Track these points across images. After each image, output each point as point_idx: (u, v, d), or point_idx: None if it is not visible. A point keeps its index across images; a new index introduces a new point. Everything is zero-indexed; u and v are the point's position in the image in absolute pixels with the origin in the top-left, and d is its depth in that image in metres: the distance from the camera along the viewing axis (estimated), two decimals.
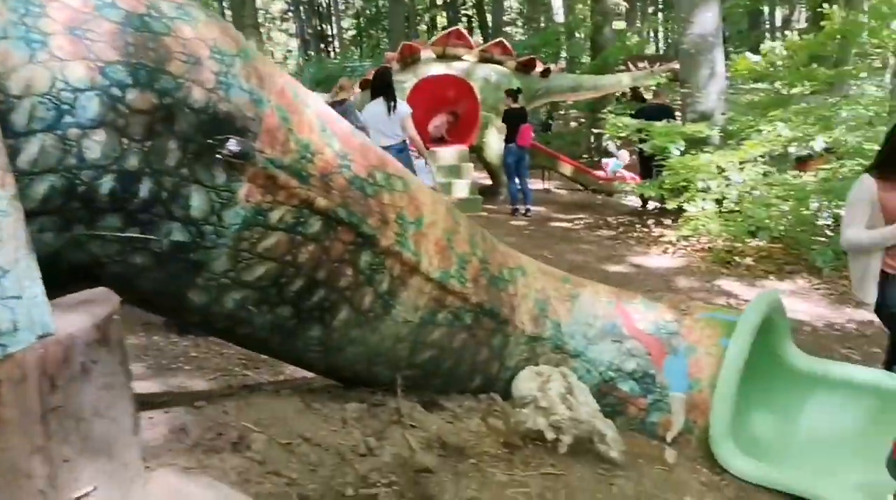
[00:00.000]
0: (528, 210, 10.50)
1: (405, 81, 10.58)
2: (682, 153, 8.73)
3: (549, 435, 2.78)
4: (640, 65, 15.78)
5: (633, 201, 11.57)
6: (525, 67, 11.92)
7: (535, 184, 12.87)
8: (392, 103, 7.38)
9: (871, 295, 3.74)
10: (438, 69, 11.21)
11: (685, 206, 7.99)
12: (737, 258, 7.97)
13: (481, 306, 2.76)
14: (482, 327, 2.80)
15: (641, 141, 9.69)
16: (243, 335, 2.36)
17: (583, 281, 3.44)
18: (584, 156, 17.23)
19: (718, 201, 7.98)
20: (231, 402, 2.40)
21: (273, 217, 2.07)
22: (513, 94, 10.55)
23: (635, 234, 9.27)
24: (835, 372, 3.29)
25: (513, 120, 10.44)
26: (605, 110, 14.27)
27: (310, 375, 3.00)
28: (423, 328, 2.59)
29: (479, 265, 2.79)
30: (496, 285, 2.87)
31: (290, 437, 2.28)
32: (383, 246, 2.33)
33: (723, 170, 8.06)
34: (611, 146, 14.98)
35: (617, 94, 16.85)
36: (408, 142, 7.48)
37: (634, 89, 16.41)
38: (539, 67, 12.24)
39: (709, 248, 8.35)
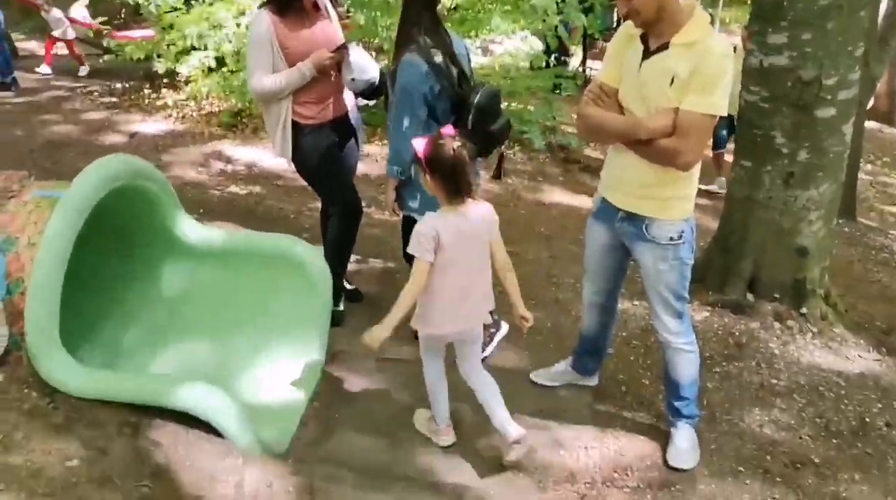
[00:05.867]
0: (13, 80, 8.68)
1: None
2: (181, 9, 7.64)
3: None
4: None
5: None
6: None
7: (38, 49, 10.82)
8: None
9: (289, 149, 3.38)
10: None
11: (178, 67, 7.09)
12: (245, 121, 7.43)
13: None
14: None
15: None
16: None
17: None
18: (118, 16, 15.02)
19: (219, 61, 7.21)
20: None
21: None
22: None
23: (143, 101, 8.19)
24: (219, 242, 2.86)
25: None
26: None
27: None
28: None
29: None
30: None
31: None
32: None
33: (221, 26, 7.24)
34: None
35: None
36: None
37: None
38: None
39: (219, 111, 7.68)
